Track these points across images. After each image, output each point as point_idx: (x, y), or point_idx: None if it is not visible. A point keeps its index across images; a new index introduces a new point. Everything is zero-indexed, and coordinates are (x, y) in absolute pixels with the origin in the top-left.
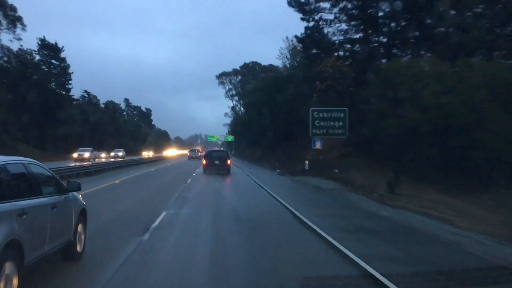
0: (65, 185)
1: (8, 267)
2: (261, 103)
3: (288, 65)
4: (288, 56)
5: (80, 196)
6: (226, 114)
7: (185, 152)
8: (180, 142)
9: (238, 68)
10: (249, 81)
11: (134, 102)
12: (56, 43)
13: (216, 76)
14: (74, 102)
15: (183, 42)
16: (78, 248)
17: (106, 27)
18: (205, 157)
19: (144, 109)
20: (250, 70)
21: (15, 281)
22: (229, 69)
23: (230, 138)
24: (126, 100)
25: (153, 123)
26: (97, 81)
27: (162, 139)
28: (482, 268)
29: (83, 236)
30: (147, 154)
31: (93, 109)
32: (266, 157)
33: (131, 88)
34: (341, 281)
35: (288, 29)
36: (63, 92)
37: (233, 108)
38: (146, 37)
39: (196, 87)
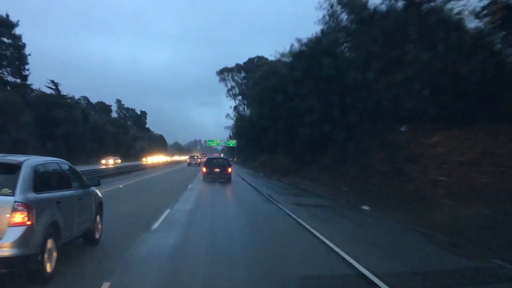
0: (87, 181)
1: (50, 243)
2: (285, 84)
3: (329, 20)
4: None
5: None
6: (227, 116)
7: (179, 158)
8: (178, 148)
9: (242, 64)
10: (260, 67)
11: (133, 107)
12: (7, 15)
13: (217, 72)
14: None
15: (182, 44)
16: (97, 235)
17: (103, 29)
18: (205, 164)
19: (138, 112)
20: (256, 66)
21: (54, 255)
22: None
23: (232, 142)
24: (118, 101)
25: (147, 126)
26: (92, 84)
27: (156, 144)
28: (482, 268)
29: (100, 226)
30: (106, 161)
31: (55, 103)
32: (301, 170)
33: (129, 92)
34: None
35: (291, 31)
36: (18, 80)
37: (236, 108)
38: (144, 39)
39: (196, 92)
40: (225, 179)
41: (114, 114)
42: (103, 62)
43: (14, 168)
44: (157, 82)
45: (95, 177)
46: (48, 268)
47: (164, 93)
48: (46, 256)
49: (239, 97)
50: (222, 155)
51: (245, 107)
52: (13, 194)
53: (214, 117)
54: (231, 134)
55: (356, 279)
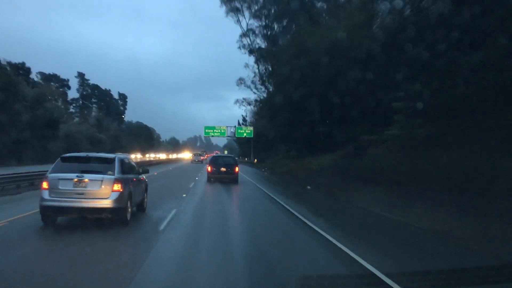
0: (140, 170)
1: (129, 203)
2: None
3: None
4: None
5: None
6: (240, 82)
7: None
8: (174, 144)
9: None
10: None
11: (134, 101)
12: None
13: (222, 0)
14: None
15: (182, 32)
16: (144, 205)
17: (96, 14)
18: (210, 163)
19: (115, 94)
20: None
21: (130, 211)
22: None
23: (247, 131)
24: (80, 75)
25: (125, 114)
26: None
27: (136, 135)
28: (482, 268)
29: (146, 199)
30: None
31: None
32: None
33: (126, 85)
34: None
35: None
36: None
37: (258, 61)
38: (140, 25)
39: (195, 85)
40: (232, 179)
41: (73, 93)
42: (94, 52)
43: (111, 160)
44: (155, 76)
45: (145, 167)
46: (128, 217)
47: (160, 86)
48: (128, 210)
49: (260, 45)
50: (226, 152)
51: (269, 69)
52: (113, 174)
53: (216, 112)
54: (242, 120)
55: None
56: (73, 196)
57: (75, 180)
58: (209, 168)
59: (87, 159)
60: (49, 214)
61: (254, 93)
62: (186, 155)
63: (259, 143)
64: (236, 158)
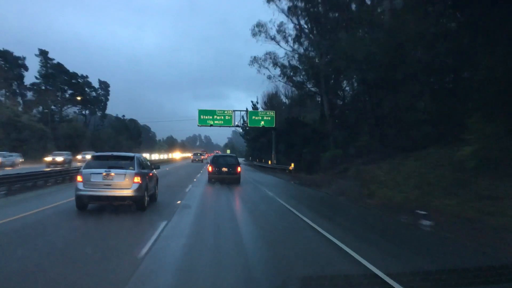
0: (152, 166)
1: (146, 193)
2: None
3: None
4: None
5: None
6: (258, 31)
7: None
8: (172, 143)
9: None
10: None
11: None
12: None
13: None
14: None
15: (179, 29)
16: (156, 197)
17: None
18: (211, 163)
19: (95, 82)
20: None
21: (147, 199)
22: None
23: (267, 117)
24: (43, 53)
25: (108, 106)
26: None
27: (117, 131)
28: (482, 268)
29: (157, 192)
30: None
31: None
32: None
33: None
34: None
35: None
36: None
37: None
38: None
39: (196, 84)
40: (234, 180)
41: (31, 76)
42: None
43: (131, 158)
44: (154, 72)
45: (157, 164)
46: (145, 203)
47: (158, 84)
48: (145, 198)
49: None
50: (228, 151)
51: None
52: (133, 169)
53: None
54: (251, 107)
55: (358, 279)
56: (102, 186)
57: (104, 174)
58: (210, 168)
59: (112, 157)
60: (83, 201)
61: (283, 48)
62: (177, 155)
63: (289, 136)
64: (239, 159)
